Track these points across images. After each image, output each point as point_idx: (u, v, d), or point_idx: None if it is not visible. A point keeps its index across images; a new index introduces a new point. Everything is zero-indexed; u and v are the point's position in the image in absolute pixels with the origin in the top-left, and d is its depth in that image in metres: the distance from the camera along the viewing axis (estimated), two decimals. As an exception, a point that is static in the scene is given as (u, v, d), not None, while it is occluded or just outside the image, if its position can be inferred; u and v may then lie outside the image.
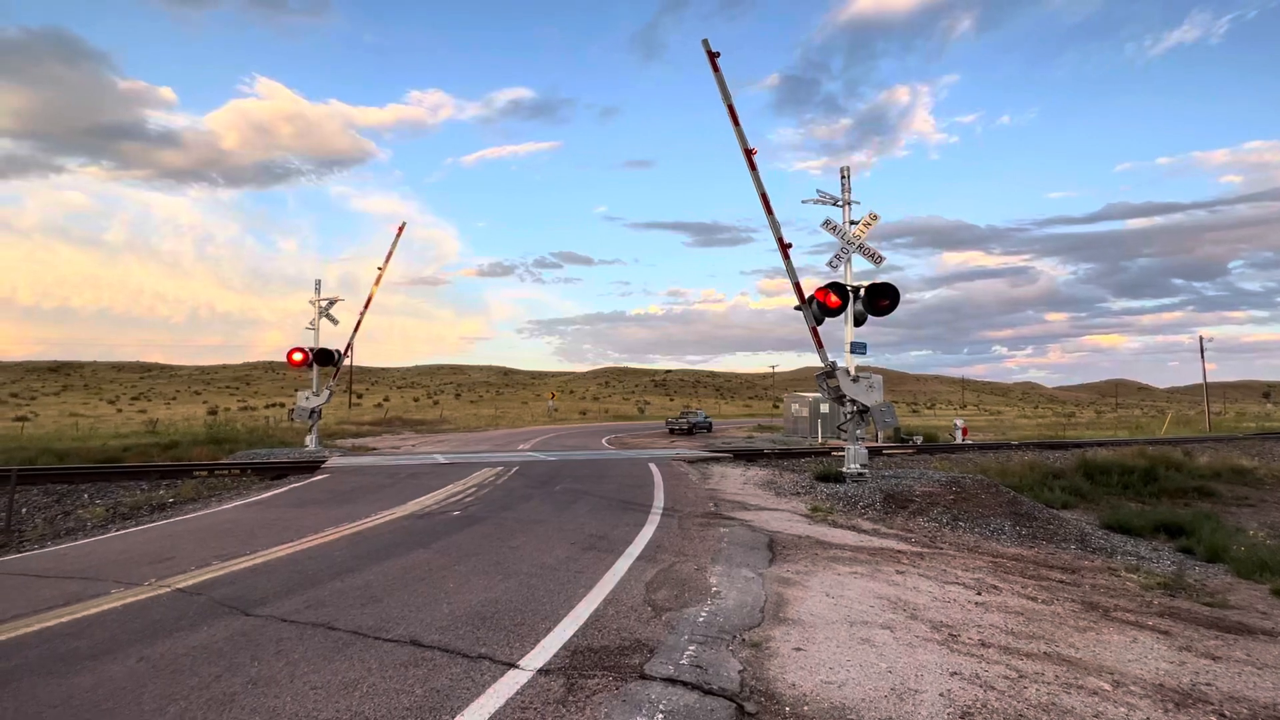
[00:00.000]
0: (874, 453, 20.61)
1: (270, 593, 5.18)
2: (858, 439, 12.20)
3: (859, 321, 12.33)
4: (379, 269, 23.52)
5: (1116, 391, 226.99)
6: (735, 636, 4.23)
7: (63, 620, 4.59)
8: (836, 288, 11.80)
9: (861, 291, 12.14)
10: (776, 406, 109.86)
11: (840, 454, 21.62)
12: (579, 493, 11.07)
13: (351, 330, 23.74)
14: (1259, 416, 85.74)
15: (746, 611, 4.77)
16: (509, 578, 5.61)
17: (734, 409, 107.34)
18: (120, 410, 66.75)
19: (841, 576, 5.98)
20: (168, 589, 5.34)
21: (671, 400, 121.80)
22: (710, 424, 44.31)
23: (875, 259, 12.06)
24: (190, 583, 5.53)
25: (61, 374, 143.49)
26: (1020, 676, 3.80)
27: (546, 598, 5.02)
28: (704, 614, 4.66)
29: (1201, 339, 58.50)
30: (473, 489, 11.58)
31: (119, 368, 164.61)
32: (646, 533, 7.69)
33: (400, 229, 24.71)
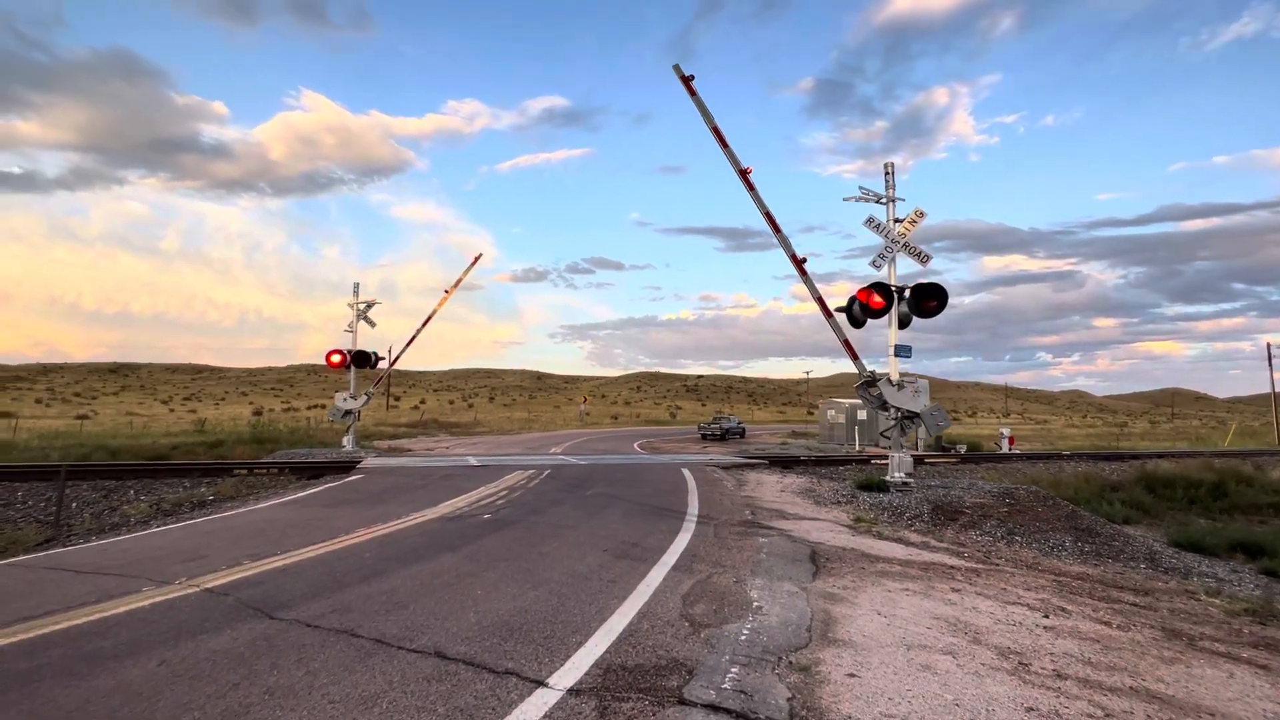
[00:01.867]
0: (916, 461, 19.84)
1: (296, 595, 5.05)
2: (901, 447, 11.64)
3: (903, 324, 11.79)
4: (446, 291, 24.38)
5: (1172, 401, 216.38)
6: (781, 658, 3.89)
7: (92, 619, 4.53)
8: (880, 288, 11.30)
9: (907, 292, 11.61)
10: (811, 413, 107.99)
11: (881, 462, 20.92)
12: (611, 498, 10.82)
13: (404, 341, 24.75)
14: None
15: (792, 630, 4.42)
16: (539, 586, 5.38)
17: (767, 415, 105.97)
18: (172, 410, 69.54)
19: (892, 593, 5.56)
20: (196, 589, 5.27)
21: (703, 405, 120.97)
22: (743, 429, 43.66)
23: (922, 258, 11.51)
24: (219, 583, 5.45)
25: (120, 375, 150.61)
26: (1107, 716, 3.37)
27: (578, 608, 4.76)
28: (746, 631, 4.34)
29: (1269, 346, 55.10)
30: (504, 492, 11.45)
31: (173, 369, 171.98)
32: (681, 541, 7.38)
33: (476, 259, 25.89)
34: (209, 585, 5.38)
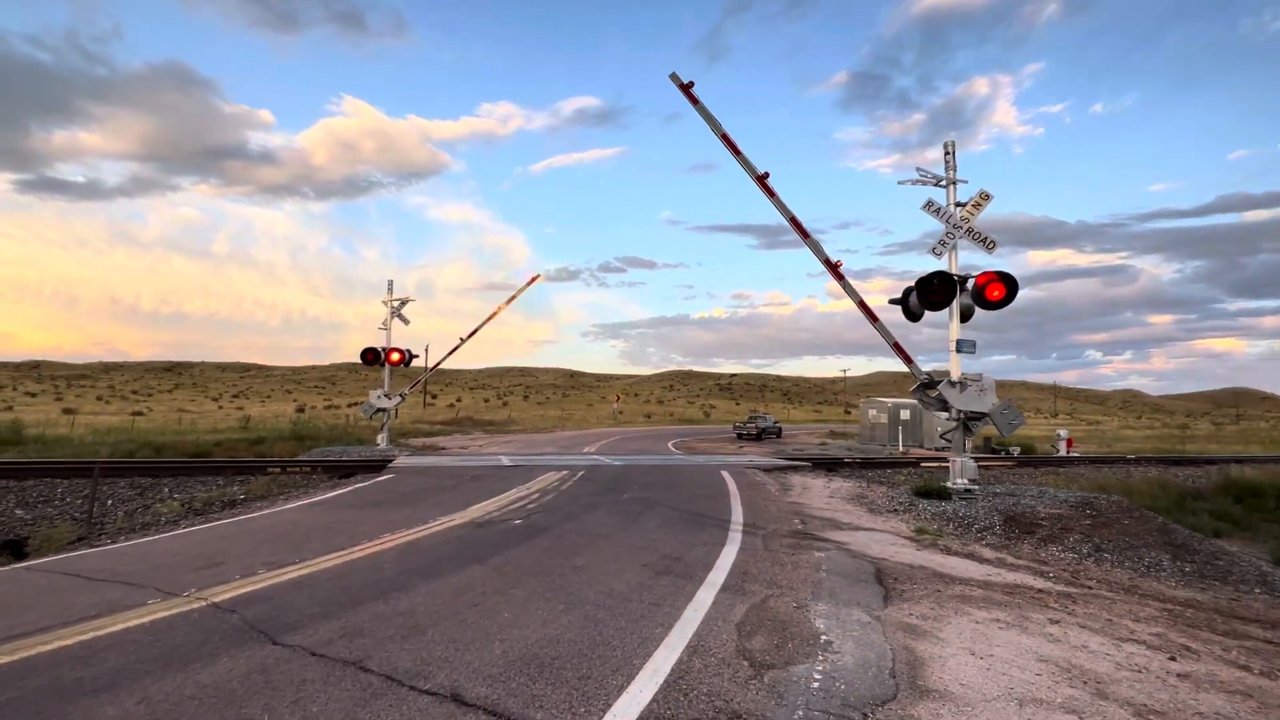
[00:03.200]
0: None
1: (306, 615, 4.57)
2: (965, 450, 10.69)
3: (965, 317, 10.84)
4: (499, 306, 24.88)
5: (1236, 401, 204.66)
6: (867, 716, 3.20)
7: (84, 638, 4.11)
8: (941, 277, 10.37)
9: (970, 282, 10.65)
10: (848, 412, 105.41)
11: (930, 465, 19.78)
12: (648, 502, 10.19)
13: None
14: None
15: (873, 675, 3.71)
16: (572, 608, 4.78)
17: (803, 414, 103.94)
18: (221, 407, 71.90)
19: (981, 625, 4.78)
20: (203, 603, 4.84)
21: (737, 404, 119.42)
22: (779, 429, 42.55)
23: (988, 244, 10.54)
24: (227, 596, 5.02)
25: (174, 373, 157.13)
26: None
27: (617, 639, 4.15)
28: (818, 675, 3.65)
29: (1353, 342, 51.04)
30: (535, 494, 10.94)
31: (223, 368, 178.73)
32: (728, 554, 6.70)
33: (533, 279, 26.43)
34: (217, 599, 4.95)
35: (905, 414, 34.70)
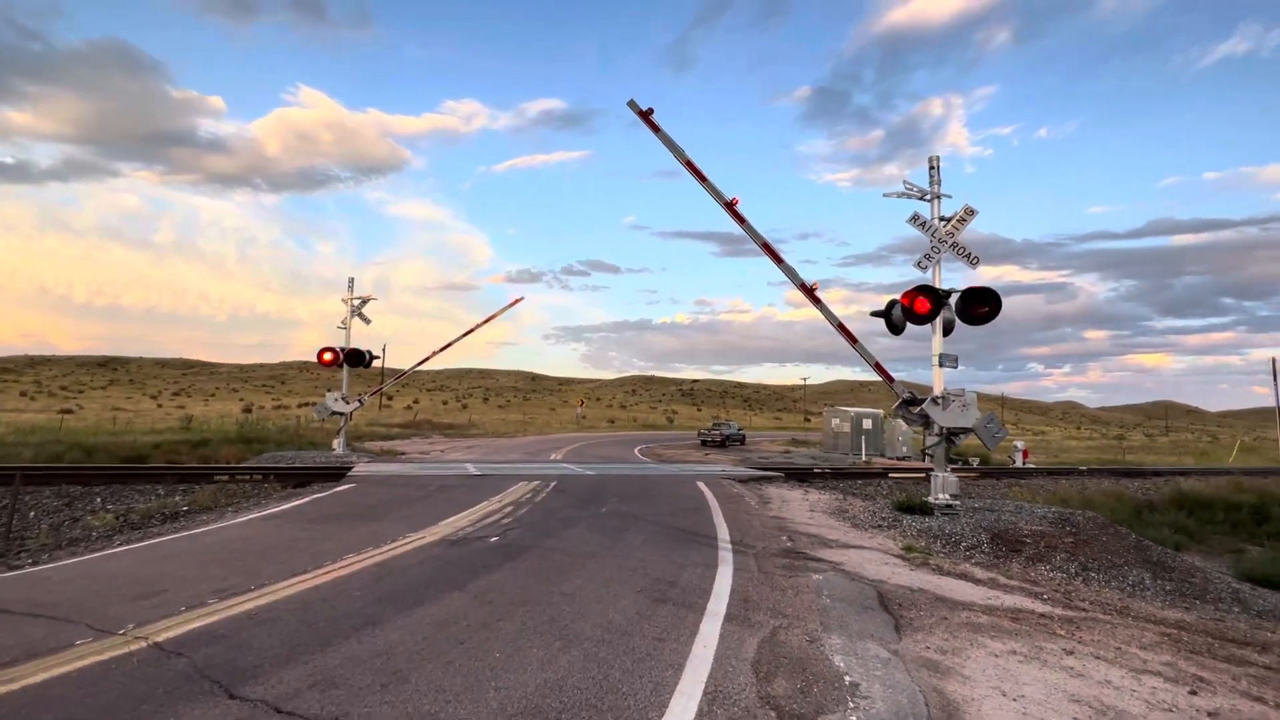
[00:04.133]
0: (929, 475, 18.95)
1: (267, 657, 4.01)
2: (946, 466, 10.68)
3: (947, 331, 10.84)
4: (476, 324, 24.57)
5: (1165, 414, 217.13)
6: (920, 779, 2.89)
7: (-4, 692, 3.48)
8: (926, 291, 10.34)
9: (953, 297, 10.66)
10: (808, 420, 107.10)
11: (898, 475, 19.97)
12: (629, 517, 9.80)
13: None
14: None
15: (910, 724, 3.42)
16: (570, 645, 4.35)
17: (764, 421, 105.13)
18: (160, 405, 68.01)
19: (1000, 658, 4.57)
20: (143, 643, 4.22)
21: (699, 410, 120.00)
22: (744, 436, 42.75)
23: (971, 259, 10.57)
24: (173, 634, 4.40)
25: (109, 369, 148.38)
26: None
27: (626, 684, 3.75)
28: (853, 727, 3.33)
29: (1275, 362, 54.62)
30: (509, 507, 10.41)
31: (163, 364, 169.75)
32: (724, 577, 6.37)
33: (516, 301, 26.35)
34: (161, 638, 4.33)
35: (868, 423, 35.26)
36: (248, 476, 13.59)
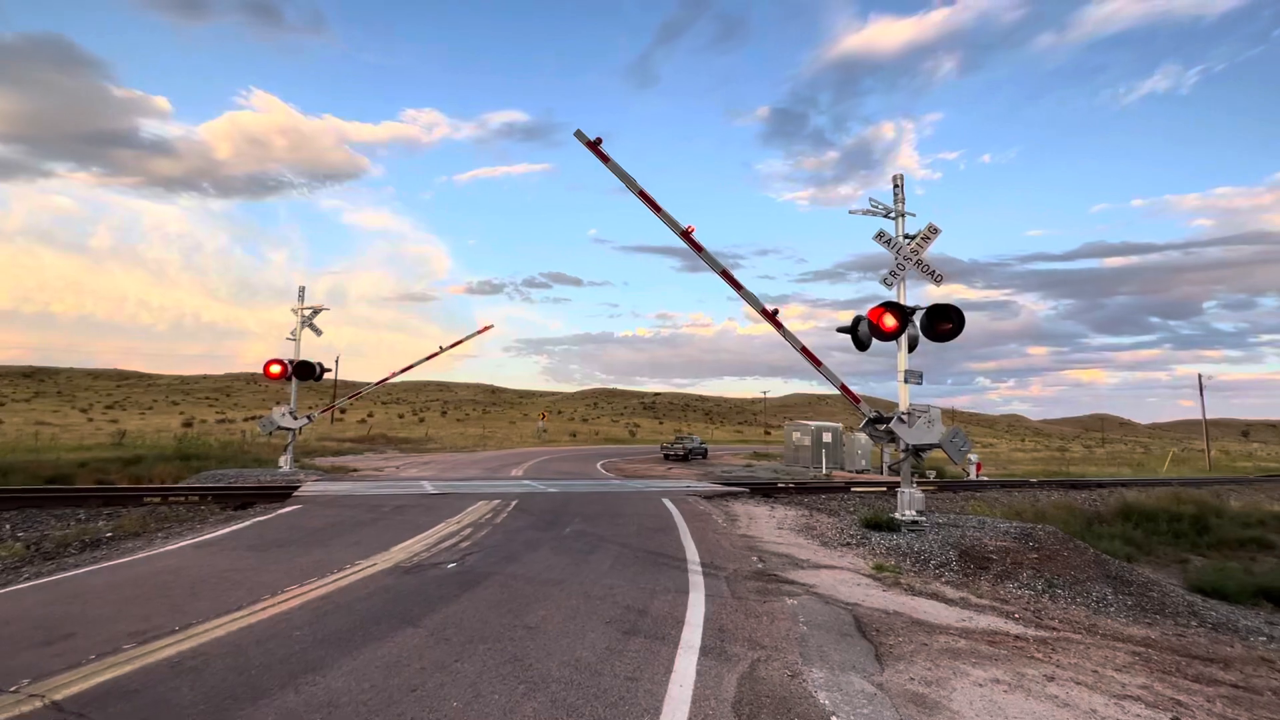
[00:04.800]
0: (892, 489, 19.19)
1: (187, 715, 3.52)
2: (912, 481, 10.69)
3: (912, 346, 10.93)
4: (441, 347, 24.23)
5: (1101, 426, 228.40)
6: (924, 840, 2.65)
7: None
8: (893, 308, 10.40)
9: (917, 314, 10.75)
10: (769, 433, 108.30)
11: (860, 490, 20.15)
12: (594, 538, 9.44)
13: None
14: (1243, 455, 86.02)
15: (905, 771, 3.19)
16: (535, 689, 3.99)
17: (725, 434, 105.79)
18: (91, 419, 63.86)
19: (984, 688, 4.42)
20: (38, 702, 3.67)
21: (661, 424, 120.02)
22: (706, 450, 42.80)
23: (935, 277, 10.70)
24: (76, 690, 3.85)
25: (35, 380, 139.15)
26: None
27: (598, 734, 3.42)
28: (846, 778, 3.08)
29: (1200, 378, 58.12)
30: (468, 529, 9.91)
31: (95, 375, 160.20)
32: (696, 604, 6.09)
33: (486, 328, 26.07)
34: (61, 694, 3.78)
35: (827, 437, 35.74)
36: (182, 498, 12.65)
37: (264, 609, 5.55)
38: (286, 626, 5.09)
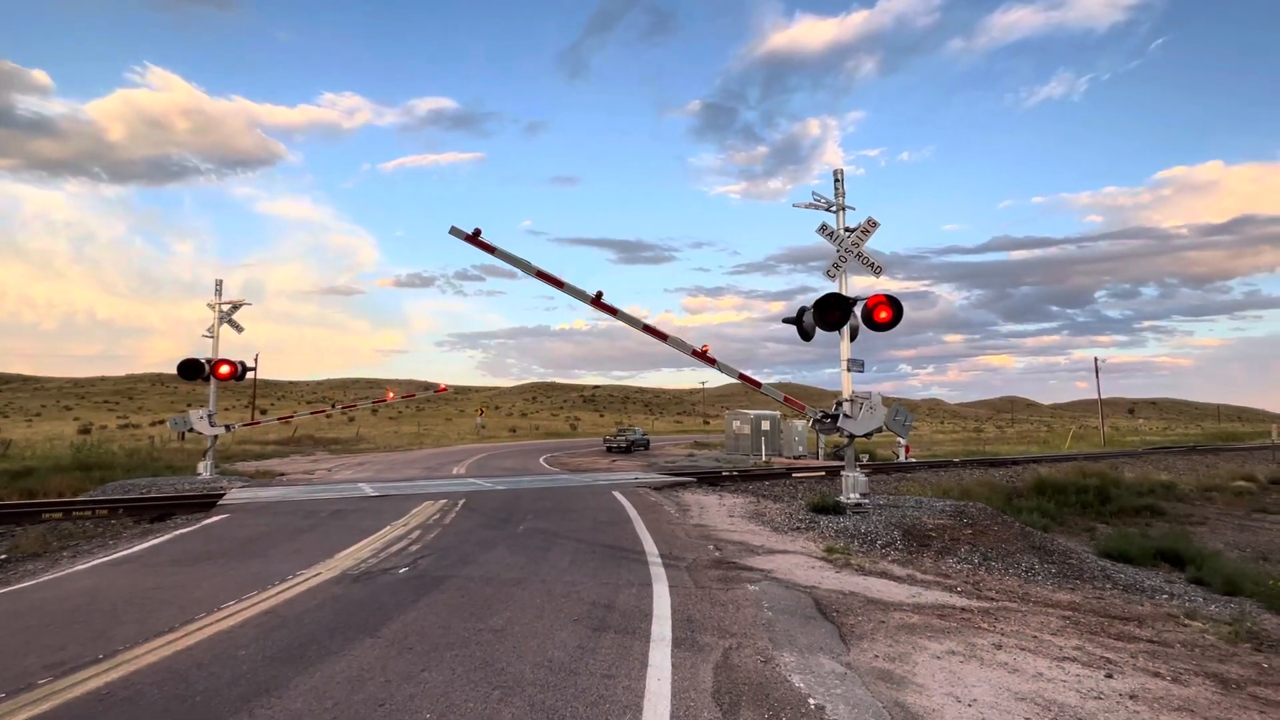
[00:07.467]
0: (828, 474, 19.95)
1: (129, 753, 3.21)
2: (856, 465, 11.14)
3: (854, 336, 11.35)
4: (389, 392, 23.68)
5: (1011, 408, 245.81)
6: (912, 812, 2.75)
7: None
8: (835, 299, 10.75)
9: (858, 305, 11.17)
10: (707, 423, 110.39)
11: (800, 475, 20.82)
12: (549, 535, 9.31)
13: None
14: (1130, 430, 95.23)
15: (884, 747, 3.30)
16: (511, 694, 3.88)
17: (665, 425, 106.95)
18: (-35, 429, 57.26)
19: (942, 660, 4.65)
20: (-56, 752, 3.25)
21: (601, 416, 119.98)
22: (648, 441, 43.16)
23: (875, 269, 11.13)
24: (-10, 734, 3.44)
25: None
26: None
27: (582, 735, 3.36)
28: (831, 758, 3.16)
29: (1096, 361, 63.44)
30: (416, 531, 9.55)
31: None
32: (661, 596, 6.11)
33: (441, 389, 26.86)
34: (-29, 741, 3.36)
35: (766, 424, 36.76)
36: (89, 512, 11.55)
37: (201, 628, 5.14)
38: (230, 646, 4.74)
